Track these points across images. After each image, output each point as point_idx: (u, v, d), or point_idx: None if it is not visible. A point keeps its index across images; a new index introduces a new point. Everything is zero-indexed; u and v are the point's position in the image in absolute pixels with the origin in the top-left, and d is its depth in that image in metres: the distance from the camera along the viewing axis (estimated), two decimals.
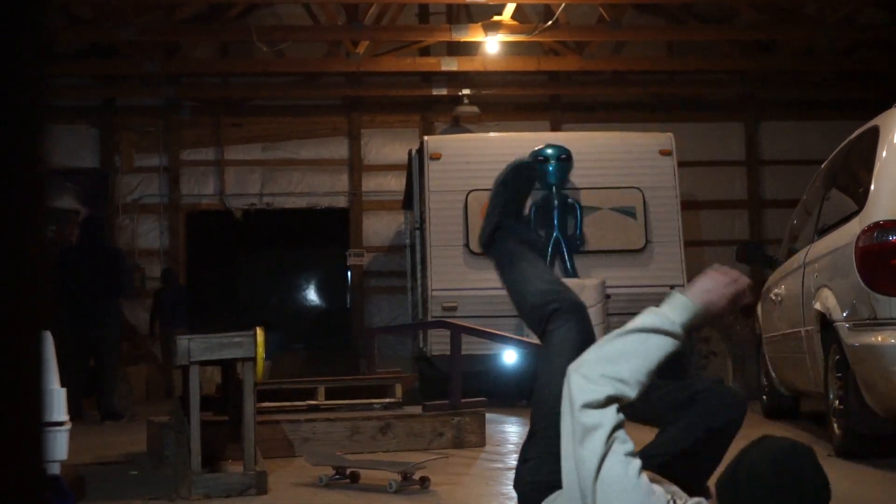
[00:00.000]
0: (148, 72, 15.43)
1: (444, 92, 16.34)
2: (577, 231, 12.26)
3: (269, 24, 15.76)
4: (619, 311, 11.99)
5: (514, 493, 5.56)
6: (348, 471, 5.86)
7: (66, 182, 15.89)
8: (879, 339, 5.76)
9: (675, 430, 3.66)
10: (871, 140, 6.38)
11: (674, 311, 3.12)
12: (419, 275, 12.91)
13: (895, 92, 8.28)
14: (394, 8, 14.87)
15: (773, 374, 8.84)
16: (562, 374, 3.01)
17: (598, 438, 2.82)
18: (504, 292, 4.07)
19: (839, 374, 6.35)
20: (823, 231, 7.12)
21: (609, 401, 2.88)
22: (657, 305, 3.23)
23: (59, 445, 4.95)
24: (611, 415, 2.86)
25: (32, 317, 1.24)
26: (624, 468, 2.82)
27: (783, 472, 2.83)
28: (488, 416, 8.09)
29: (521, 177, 4.27)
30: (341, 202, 17.07)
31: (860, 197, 6.27)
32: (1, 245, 1.19)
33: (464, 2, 13.79)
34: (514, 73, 16.16)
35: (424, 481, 5.60)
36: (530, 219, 12.23)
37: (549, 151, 12.38)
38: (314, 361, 16.07)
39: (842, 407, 6.32)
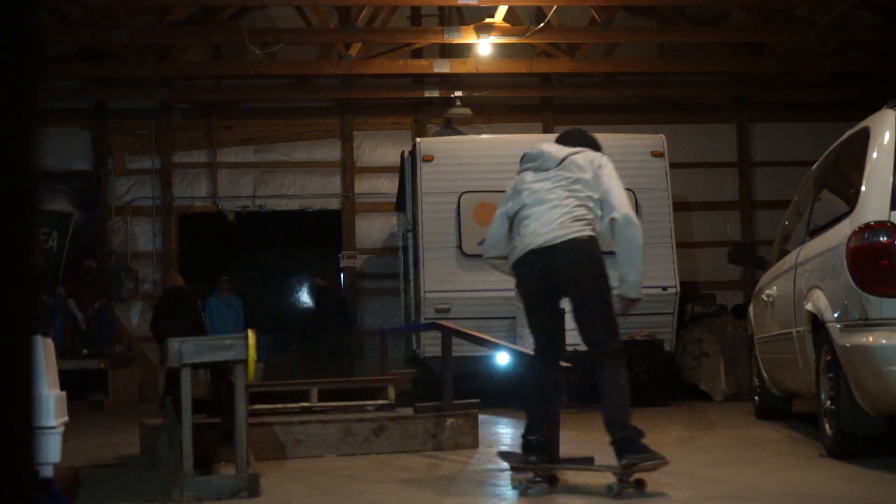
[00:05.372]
0: (140, 74, 15.41)
1: (436, 94, 16.35)
2: None
3: (262, 26, 15.75)
4: None
5: (508, 494, 5.58)
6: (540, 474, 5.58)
7: (59, 185, 15.87)
8: (870, 339, 5.77)
9: None
10: (862, 141, 6.40)
11: None
12: (412, 276, 12.92)
13: (885, 93, 8.30)
14: (386, 10, 14.87)
15: (765, 375, 8.86)
16: None
17: None
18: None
19: (831, 375, 6.37)
20: (815, 232, 7.14)
21: None
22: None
23: (52, 448, 4.95)
24: None
25: (23, 321, 1.25)
26: None
27: None
28: (481, 417, 8.09)
29: None
30: (334, 204, 17.07)
31: (851, 198, 6.28)
32: None
33: (456, 4, 13.79)
34: (506, 75, 16.17)
35: (640, 485, 5.26)
36: None
37: None
38: (307, 363, 16.05)
39: (833, 407, 6.34)
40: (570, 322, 11.20)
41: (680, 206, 15.07)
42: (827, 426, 6.48)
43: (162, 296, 15.15)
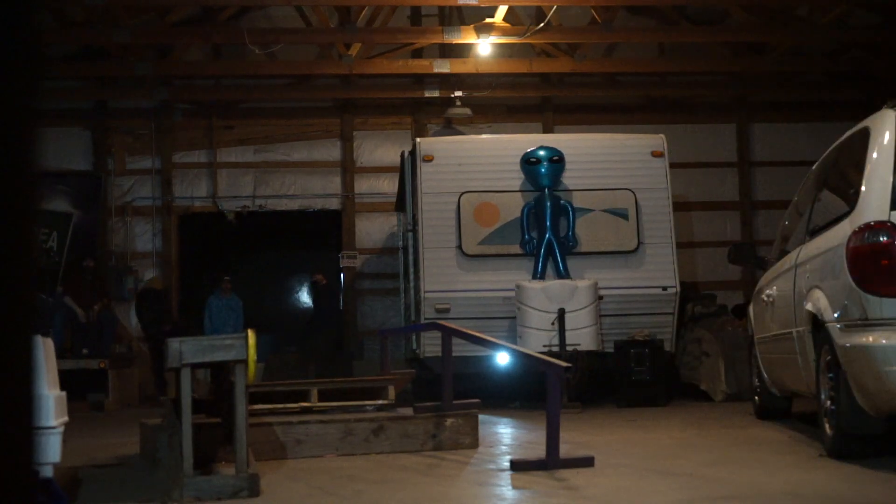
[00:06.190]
0: (140, 74, 15.41)
1: (436, 94, 16.35)
2: (570, 232, 12.28)
3: (262, 26, 15.75)
4: (612, 312, 12.03)
5: (508, 494, 5.58)
6: None
7: (59, 185, 15.86)
8: (870, 339, 5.77)
9: None
10: (862, 141, 6.40)
11: None
12: (412, 276, 12.92)
13: (886, 93, 8.30)
14: (386, 10, 14.87)
15: (765, 375, 8.86)
16: None
17: None
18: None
19: (831, 375, 6.37)
20: (815, 232, 7.14)
21: None
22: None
23: (52, 448, 4.94)
24: None
25: (23, 321, 1.25)
26: None
27: None
28: (481, 417, 8.09)
29: None
30: (334, 204, 17.07)
31: (851, 198, 6.29)
32: None
33: (456, 4, 13.79)
34: (506, 75, 16.17)
35: None
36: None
37: (541, 153, 12.40)
38: (307, 363, 16.07)
39: (833, 407, 6.34)
40: (570, 322, 11.27)
41: (680, 206, 15.08)
42: (827, 426, 6.48)
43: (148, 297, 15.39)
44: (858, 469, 5.84)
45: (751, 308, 9.72)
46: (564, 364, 6.61)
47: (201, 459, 5.89)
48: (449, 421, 7.63)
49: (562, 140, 13.07)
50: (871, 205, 5.96)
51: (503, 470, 6.34)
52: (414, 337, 12.66)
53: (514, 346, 8.59)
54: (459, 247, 12.23)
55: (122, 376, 14.48)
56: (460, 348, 9.11)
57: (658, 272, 12.25)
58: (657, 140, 12.79)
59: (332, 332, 16.08)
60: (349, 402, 8.37)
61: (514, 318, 11.58)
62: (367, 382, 9.11)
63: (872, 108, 6.73)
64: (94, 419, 11.97)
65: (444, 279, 12.14)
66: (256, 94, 16.76)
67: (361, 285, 16.98)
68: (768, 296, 8.42)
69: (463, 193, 12.33)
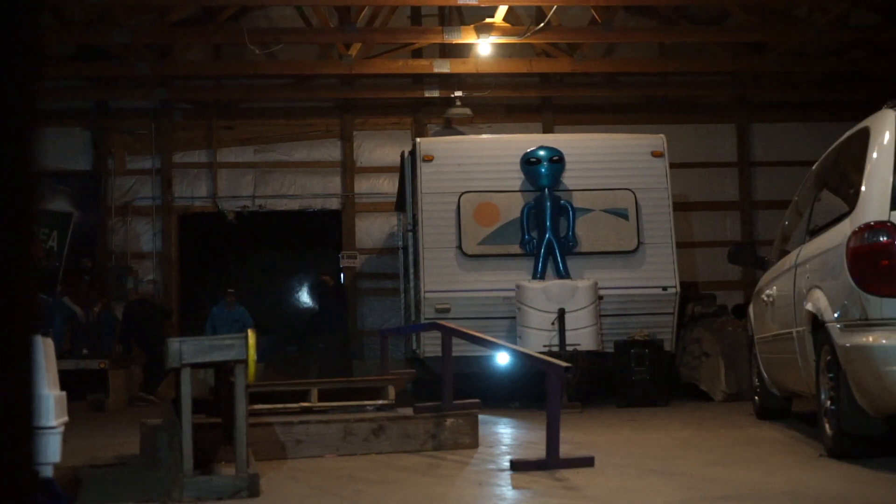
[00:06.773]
0: (140, 74, 15.41)
1: (436, 94, 16.35)
2: (570, 232, 12.28)
3: (262, 26, 15.75)
4: (612, 313, 12.03)
5: (508, 494, 5.58)
6: None
7: (59, 185, 15.87)
8: (870, 339, 5.77)
9: None
10: (862, 141, 6.40)
11: None
12: (412, 276, 12.92)
13: (885, 93, 8.29)
14: (386, 10, 14.87)
15: (765, 375, 8.86)
16: None
17: None
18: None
19: (831, 375, 6.37)
20: (815, 232, 7.14)
21: None
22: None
23: (52, 448, 4.94)
24: None
25: (23, 321, 1.25)
26: None
27: None
28: (481, 417, 8.09)
29: None
30: (334, 204, 17.07)
31: (851, 198, 6.29)
32: None
33: (456, 4, 13.80)
34: (506, 75, 16.17)
35: None
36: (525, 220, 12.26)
37: (541, 153, 12.40)
38: (309, 363, 16.06)
39: (833, 407, 6.34)
40: (570, 322, 11.27)
41: (680, 206, 15.08)
42: (827, 426, 6.48)
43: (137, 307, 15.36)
44: (858, 469, 5.84)
45: (751, 308, 9.72)
46: (564, 364, 6.61)
47: (201, 459, 5.89)
48: (449, 421, 7.63)
49: (562, 140, 13.06)
50: (871, 205, 5.96)
51: (503, 470, 6.34)
52: (414, 337, 12.66)
53: (514, 346, 8.59)
54: (459, 247, 12.23)
55: (122, 376, 14.47)
56: (460, 348, 9.10)
57: (658, 272, 12.25)
58: (657, 140, 12.79)
59: (338, 333, 16.04)
60: (349, 402, 8.37)
61: (514, 318, 11.58)
62: (367, 382, 9.11)
63: (872, 108, 6.73)
64: (94, 419, 11.96)
65: (444, 279, 12.13)
66: (256, 94, 16.77)
67: (361, 285, 16.98)
68: (768, 296, 8.42)
69: (463, 193, 12.33)
